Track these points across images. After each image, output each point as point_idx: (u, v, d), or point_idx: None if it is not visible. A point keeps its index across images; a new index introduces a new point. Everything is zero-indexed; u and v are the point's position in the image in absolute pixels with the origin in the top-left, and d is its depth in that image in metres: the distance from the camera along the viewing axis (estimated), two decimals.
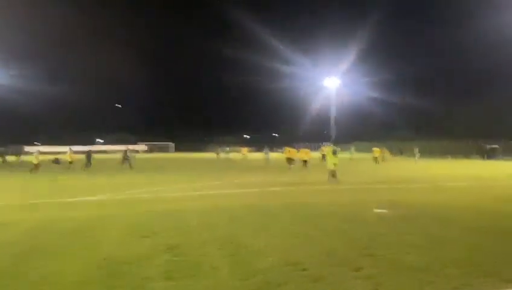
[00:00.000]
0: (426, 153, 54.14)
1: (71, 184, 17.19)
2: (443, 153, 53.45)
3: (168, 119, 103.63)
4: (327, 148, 20.92)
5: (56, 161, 35.13)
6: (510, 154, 44.63)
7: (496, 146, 47.07)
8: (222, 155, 43.71)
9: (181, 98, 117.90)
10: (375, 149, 34.72)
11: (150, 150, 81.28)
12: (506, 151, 46.00)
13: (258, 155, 49.06)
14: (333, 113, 66.62)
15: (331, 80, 65.60)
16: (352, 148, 42.75)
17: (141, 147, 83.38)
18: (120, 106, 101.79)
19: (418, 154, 32.82)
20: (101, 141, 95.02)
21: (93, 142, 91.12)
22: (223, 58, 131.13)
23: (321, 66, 75.06)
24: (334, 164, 16.98)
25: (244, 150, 45.44)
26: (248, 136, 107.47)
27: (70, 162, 25.99)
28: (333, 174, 16.93)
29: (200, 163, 35.02)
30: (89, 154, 28.04)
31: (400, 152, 53.63)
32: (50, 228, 7.88)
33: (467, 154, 50.16)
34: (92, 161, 27.95)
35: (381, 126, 77.78)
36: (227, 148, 46.77)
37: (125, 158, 27.86)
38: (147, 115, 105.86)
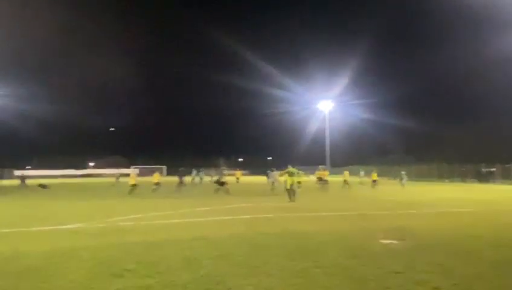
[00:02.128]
0: (424, 176, 53.55)
1: (54, 210, 15.98)
2: (440, 176, 52.81)
3: (161, 143, 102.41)
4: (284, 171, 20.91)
5: (43, 186, 33.78)
6: (506, 178, 44.08)
7: (493, 169, 46.55)
8: (195, 179, 37.21)
9: (175, 122, 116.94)
10: (346, 173, 34.05)
11: (142, 174, 79.65)
12: (502, 174, 45.48)
13: (251, 179, 47.91)
14: (327, 136, 66.01)
15: (325, 103, 65.34)
16: (362, 172, 40.20)
17: (133, 170, 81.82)
18: (114, 129, 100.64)
19: (405, 178, 31.29)
20: (92, 164, 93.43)
21: (85, 166, 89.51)
22: (218, 84, 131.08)
23: (315, 89, 75.12)
24: (291, 184, 18.55)
25: (238, 173, 44.27)
26: (242, 159, 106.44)
27: (134, 185, 25.35)
28: (291, 193, 18.42)
29: (190, 187, 33.65)
30: (181, 174, 28.59)
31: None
32: (7, 266, 6.72)
33: (463, 177, 49.52)
34: (184, 182, 28.39)
35: (376, 149, 77.30)
36: (194, 171, 38.89)
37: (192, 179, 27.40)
38: (139, 138, 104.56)
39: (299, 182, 30.48)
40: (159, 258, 7.05)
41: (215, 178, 26.16)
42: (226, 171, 24.60)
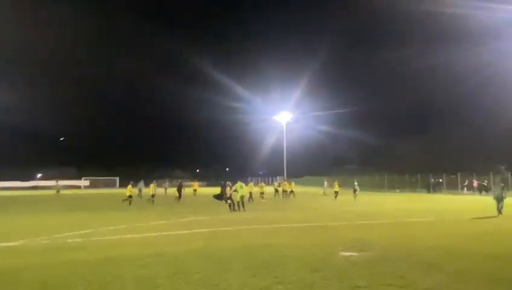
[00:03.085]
0: (376, 186, 55.43)
1: None
2: (391, 186, 54.71)
3: (114, 153, 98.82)
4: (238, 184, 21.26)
5: None
6: (452, 188, 46.35)
7: (440, 180, 48.77)
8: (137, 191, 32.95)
9: (129, 132, 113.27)
10: (292, 183, 35.65)
11: (93, 186, 76.35)
12: (449, 184, 47.78)
13: (209, 190, 47.11)
14: (285, 147, 66.63)
15: (283, 114, 66.07)
16: (326, 183, 40.07)
17: (84, 182, 78.26)
18: (63, 138, 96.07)
19: (357, 188, 31.43)
20: (40, 175, 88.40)
21: (33, 178, 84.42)
22: (175, 93, 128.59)
23: (273, 101, 76.01)
24: (241, 197, 20.18)
25: (195, 184, 43.28)
26: (199, 170, 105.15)
27: (130, 196, 25.68)
28: (241, 205, 19.94)
29: (145, 199, 32.38)
30: (180, 186, 29.51)
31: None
32: None
33: (413, 188, 51.54)
34: (182, 194, 29.19)
35: (332, 160, 79.09)
36: (141, 183, 35.19)
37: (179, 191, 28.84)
38: (91, 149, 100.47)
39: (262, 193, 31.10)
40: (110, 278, 6.53)
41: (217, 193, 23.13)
42: (230, 185, 22.10)
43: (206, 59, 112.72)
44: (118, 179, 79.56)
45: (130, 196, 25.34)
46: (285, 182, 37.52)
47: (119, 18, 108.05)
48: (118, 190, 62.21)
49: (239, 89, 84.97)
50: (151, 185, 27.57)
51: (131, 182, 28.01)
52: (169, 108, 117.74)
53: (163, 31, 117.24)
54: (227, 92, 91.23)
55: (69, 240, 10.79)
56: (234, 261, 7.74)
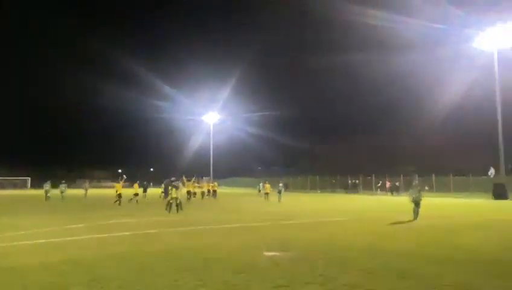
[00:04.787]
0: (298, 187, 57.76)
1: None
2: (313, 187, 57.27)
3: (27, 152, 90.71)
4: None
5: None
6: (368, 189, 49.73)
7: (357, 181, 52.02)
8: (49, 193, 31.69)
9: (45, 130, 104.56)
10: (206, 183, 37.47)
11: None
12: (365, 185, 51.18)
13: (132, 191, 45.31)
14: (211, 147, 66.48)
15: (211, 115, 65.85)
16: (261, 184, 39.63)
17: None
18: None
19: (282, 189, 32.20)
20: None
21: None
22: (96, 91, 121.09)
23: (201, 101, 75.53)
24: (172, 198, 20.04)
25: (118, 186, 41.27)
26: (121, 171, 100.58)
27: (136, 194, 27.04)
28: (175, 205, 19.58)
29: (59, 201, 30.19)
30: (167, 185, 29.19)
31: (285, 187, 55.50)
32: None
33: (333, 188, 54.41)
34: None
35: (258, 161, 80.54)
36: (48, 184, 32.66)
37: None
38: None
39: (194, 193, 30.99)
40: (18, 288, 5.99)
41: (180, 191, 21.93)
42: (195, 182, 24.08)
43: (131, 56, 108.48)
44: (29, 179, 73.41)
45: (136, 194, 25.96)
46: (215, 183, 37.75)
47: (38, 14, 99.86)
48: (29, 191, 57.38)
49: (165, 88, 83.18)
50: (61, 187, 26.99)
51: (138, 181, 28.28)
52: (90, 105, 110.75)
53: (84, 24, 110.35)
54: (153, 90, 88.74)
55: None
56: (156, 266, 7.52)
